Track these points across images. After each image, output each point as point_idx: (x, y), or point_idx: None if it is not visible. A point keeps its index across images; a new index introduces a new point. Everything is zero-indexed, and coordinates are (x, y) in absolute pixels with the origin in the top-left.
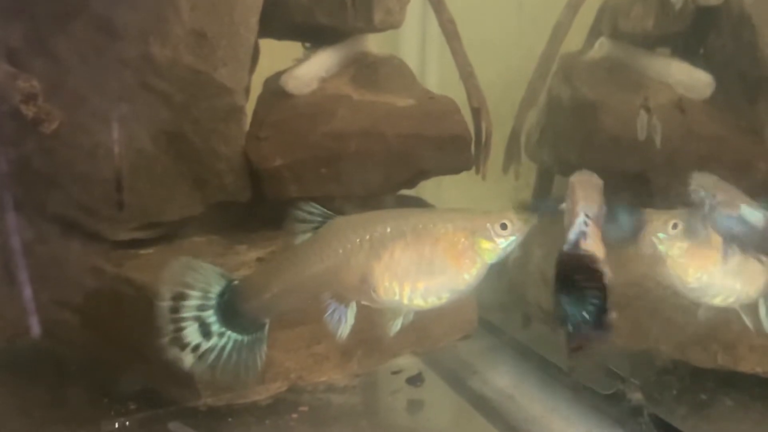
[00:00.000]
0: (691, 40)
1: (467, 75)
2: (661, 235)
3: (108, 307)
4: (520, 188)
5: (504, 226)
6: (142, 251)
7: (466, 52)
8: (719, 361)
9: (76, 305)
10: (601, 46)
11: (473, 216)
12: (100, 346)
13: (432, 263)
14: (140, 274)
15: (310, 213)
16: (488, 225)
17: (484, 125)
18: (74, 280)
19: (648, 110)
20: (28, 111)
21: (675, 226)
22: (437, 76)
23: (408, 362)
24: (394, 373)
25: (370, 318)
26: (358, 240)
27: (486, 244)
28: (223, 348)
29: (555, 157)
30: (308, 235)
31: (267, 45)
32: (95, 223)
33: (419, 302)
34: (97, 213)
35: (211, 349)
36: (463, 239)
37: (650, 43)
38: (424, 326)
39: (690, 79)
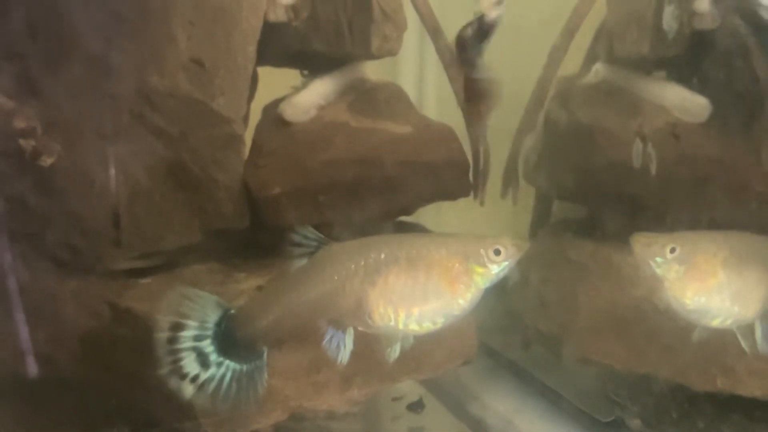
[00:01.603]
0: (687, 64)
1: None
2: (658, 259)
3: (108, 336)
4: (518, 213)
5: (497, 252)
6: (142, 280)
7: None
8: (718, 385)
9: (77, 334)
10: (598, 71)
11: (467, 241)
12: (101, 376)
13: (426, 288)
14: (139, 304)
15: (306, 238)
16: (482, 251)
17: (481, 151)
18: (76, 308)
19: (643, 138)
20: (27, 145)
21: (673, 250)
22: (435, 102)
23: (408, 388)
24: (395, 399)
25: (370, 345)
26: (353, 266)
27: (480, 270)
28: (223, 377)
29: (553, 181)
30: (304, 260)
31: (265, 73)
32: (95, 254)
33: (414, 327)
34: (96, 246)
35: (210, 379)
36: (456, 264)
37: (646, 67)
38: (424, 353)
39: (686, 102)
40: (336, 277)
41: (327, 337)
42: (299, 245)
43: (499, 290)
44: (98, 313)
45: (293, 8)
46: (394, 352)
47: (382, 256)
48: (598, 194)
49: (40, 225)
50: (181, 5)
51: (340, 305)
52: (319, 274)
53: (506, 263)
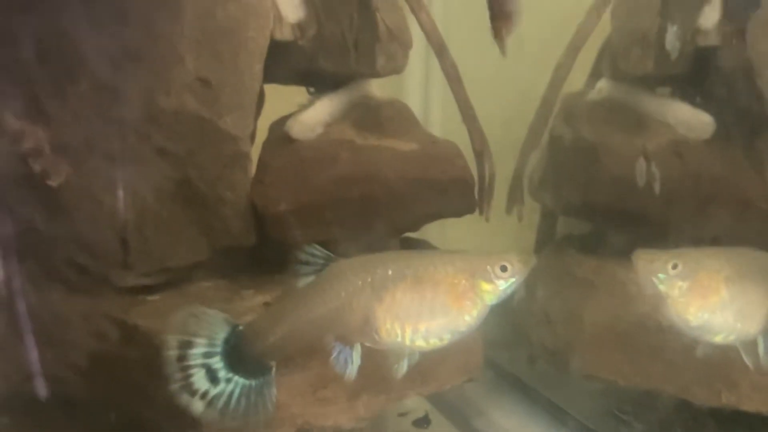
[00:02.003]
0: (690, 81)
1: (469, 118)
2: (661, 275)
3: (116, 353)
4: (523, 229)
5: (504, 268)
6: (149, 298)
7: (468, 96)
8: (723, 401)
9: (86, 353)
10: (602, 88)
11: (473, 258)
12: (109, 394)
13: (433, 305)
14: (147, 321)
15: (313, 255)
16: (488, 267)
17: (486, 168)
18: (84, 329)
19: (647, 155)
20: (35, 165)
21: (675, 267)
22: (440, 119)
23: (414, 404)
24: (401, 415)
25: (376, 361)
26: (360, 282)
27: (486, 286)
28: (232, 393)
29: (557, 197)
30: (311, 277)
31: (272, 90)
32: (103, 272)
33: (421, 343)
34: (106, 261)
35: (219, 395)
36: (463, 281)
37: (650, 84)
38: (430, 368)
39: (690, 119)
40: (343, 294)
41: (334, 353)
42: (306, 263)
43: (505, 306)
44: (106, 331)
45: (299, 27)
46: (402, 368)
47: (389, 272)
48: (602, 211)
49: (49, 245)
50: (189, 25)
51: (347, 321)
52: (326, 291)
53: (513, 279)
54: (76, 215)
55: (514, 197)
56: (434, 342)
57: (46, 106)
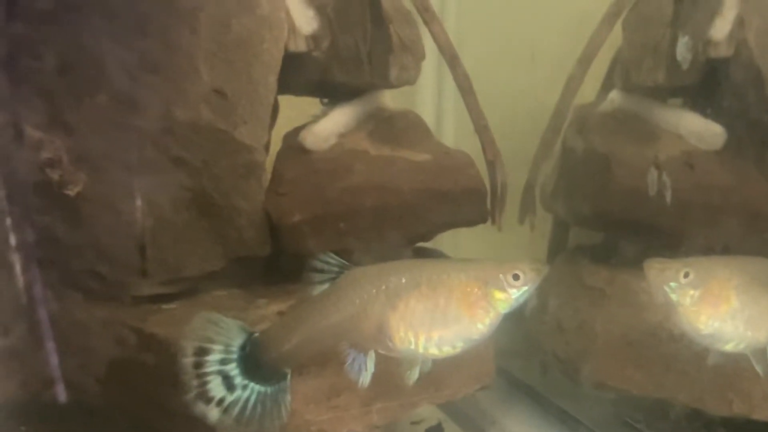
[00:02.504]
0: (702, 92)
1: (482, 128)
2: (672, 284)
3: (133, 361)
4: (535, 239)
5: (516, 277)
6: (165, 306)
7: (481, 106)
8: (734, 410)
9: (100, 367)
10: (613, 99)
11: (486, 267)
12: (126, 401)
13: (446, 313)
14: (164, 329)
15: (327, 263)
16: (501, 275)
17: (499, 178)
18: (99, 341)
19: (658, 167)
20: (53, 174)
21: (686, 275)
22: (453, 130)
23: (427, 412)
24: (414, 423)
25: (390, 369)
26: (374, 290)
27: (499, 294)
28: (248, 400)
29: (569, 207)
30: (326, 285)
31: (286, 101)
32: (120, 282)
33: (434, 351)
34: (123, 271)
35: (235, 402)
36: (476, 289)
37: (662, 95)
38: (443, 377)
39: (701, 130)
40: (358, 301)
41: (349, 360)
42: (321, 271)
43: (517, 315)
44: (124, 339)
45: (313, 38)
46: (414, 375)
47: (403, 280)
48: (613, 221)
49: (69, 254)
50: (205, 38)
51: (361, 329)
52: (341, 299)
53: (526, 288)
54: (95, 225)
55: (527, 207)
56: (447, 350)
57: (65, 117)
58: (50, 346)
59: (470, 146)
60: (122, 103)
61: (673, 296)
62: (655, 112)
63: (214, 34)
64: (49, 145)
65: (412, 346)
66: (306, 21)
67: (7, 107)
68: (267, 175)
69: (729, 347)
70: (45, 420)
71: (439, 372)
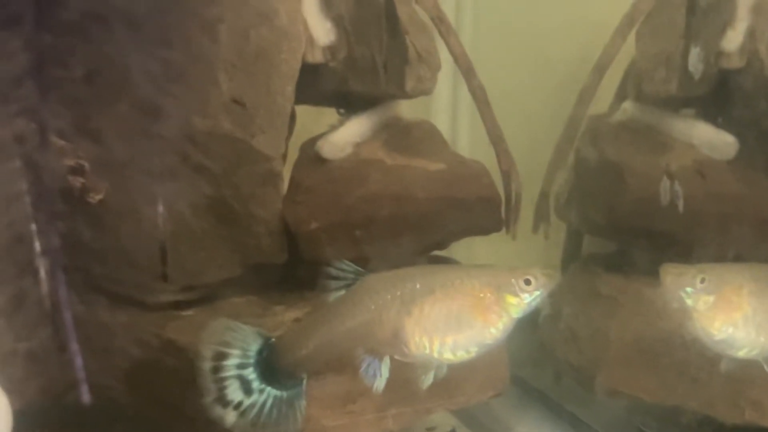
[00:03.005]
0: (714, 102)
1: (497, 139)
2: (689, 289)
3: (152, 370)
4: (549, 247)
5: (528, 282)
6: (184, 313)
7: (496, 117)
8: (747, 417)
9: (122, 370)
10: (626, 109)
11: (499, 272)
12: (146, 405)
13: (460, 318)
14: (182, 336)
15: (343, 270)
16: (513, 281)
17: (513, 187)
18: (121, 346)
19: (670, 176)
20: (75, 182)
21: (703, 281)
22: (468, 140)
23: (441, 419)
24: (429, 429)
25: (404, 375)
26: (389, 296)
27: (512, 299)
28: (264, 403)
29: (583, 216)
30: (341, 292)
31: (303, 111)
32: (140, 288)
33: (449, 356)
34: (142, 282)
35: (252, 405)
36: (489, 295)
37: (674, 105)
38: (456, 384)
39: (714, 140)
40: (373, 307)
41: (364, 366)
42: (336, 278)
43: (531, 323)
44: (144, 344)
45: (331, 49)
46: (428, 380)
47: (418, 286)
48: (626, 230)
49: (93, 259)
50: (224, 49)
51: (377, 334)
52: (356, 305)
53: (538, 293)
54: (117, 231)
55: (541, 216)
56: (462, 354)
57: (90, 125)
58: (74, 348)
59: (485, 156)
60: (145, 111)
61: (689, 301)
62: (667, 122)
63: (233, 45)
64: (72, 153)
65: (427, 351)
66: (323, 32)
67: (34, 115)
68: (284, 184)
69: (742, 353)
70: (65, 425)
71: (453, 378)
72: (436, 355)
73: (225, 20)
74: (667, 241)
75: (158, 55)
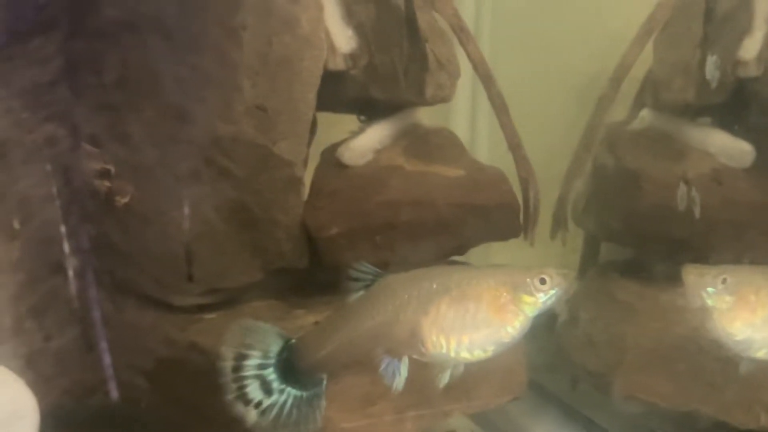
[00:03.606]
0: (731, 110)
1: (515, 146)
2: (710, 289)
3: (174, 370)
4: (567, 254)
5: (543, 281)
6: (206, 316)
7: (514, 124)
8: (761, 422)
9: (146, 369)
10: (644, 117)
11: (514, 272)
12: (167, 406)
13: (476, 317)
14: (204, 338)
15: (362, 273)
16: (528, 280)
17: (531, 194)
18: (146, 346)
19: (687, 182)
20: (102, 186)
21: (724, 281)
22: (487, 147)
23: (460, 423)
24: None
25: (423, 378)
26: (406, 296)
27: (527, 299)
28: (284, 403)
29: (600, 223)
30: (360, 293)
31: (324, 118)
32: (165, 291)
33: (465, 355)
34: (168, 282)
35: (272, 405)
36: (504, 294)
37: (691, 113)
38: (474, 387)
39: (731, 148)
40: (391, 308)
41: (383, 366)
42: (356, 279)
43: (548, 329)
44: (168, 345)
45: (352, 57)
46: (444, 379)
47: (434, 286)
48: (643, 237)
49: (121, 260)
50: (248, 56)
51: (395, 334)
52: (374, 305)
53: (553, 292)
54: (142, 234)
55: (559, 223)
56: (478, 353)
57: (120, 129)
58: (102, 346)
59: (504, 163)
60: (173, 116)
61: (710, 301)
62: (684, 130)
63: (256, 53)
64: (99, 157)
65: (444, 351)
66: (345, 40)
67: (66, 119)
68: (305, 190)
69: (761, 354)
70: (87, 428)
71: (471, 382)
72: (453, 354)
73: (249, 28)
74: (684, 247)
75: (187, 61)
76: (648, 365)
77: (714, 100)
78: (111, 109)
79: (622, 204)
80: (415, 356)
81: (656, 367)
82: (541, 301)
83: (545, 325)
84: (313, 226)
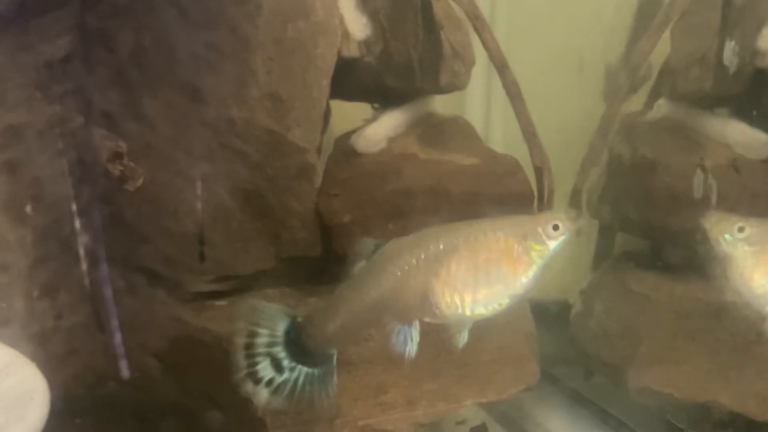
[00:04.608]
0: (748, 101)
1: (530, 135)
2: (728, 236)
3: (186, 355)
4: (582, 244)
5: (556, 227)
6: (218, 302)
7: (529, 113)
8: None
9: (158, 351)
10: (660, 107)
11: (522, 221)
12: (178, 391)
13: (488, 272)
14: (216, 325)
15: (367, 246)
16: (539, 229)
17: (546, 183)
18: (158, 328)
19: (704, 169)
20: (115, 169)
21: (741, 230)
22: (501, 135)
23: (472, 413)
24: (459, 423)
25: (436, 368)
26: (414, 260)
27: (538, 247)
28: (296, 381)
29: (616, 214)
30: (363, 263)
31: (338, 106)
32: (178, 274)
33: (481, 311)
34: (180, 264)
35: (284, 383)
36: (515, 245)
37: (708, 103)
38: (487, 378)
39: (747, 138)
40: (399, 273)
41: (394, 333)
42: (361, 254)
43: (562, 320)
44: (180, 326)
45: (366, 44)
46: (463, 338)
47: (441, 246)
48: (659, 227)
49: (133, 240)
50: (263, 42)
51: (405, 300)
52: (380, 273)
53: (563, 237)
54: (159, 214)
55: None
56: (494, 307)
57: (131, 106)
58: (114, 324)
59: (518, 152)
60: (187, 95)
61: (727, 249)
62: (701, 120)
63: (271, 37)
64: (111, 138)
65: (459, 310)
66: (359, 27)
67: (79, 96)
68: (319, 178)
69: None
70: (99, 414)
71: (484, 372)
72: (468, 312)
73: (264, 11)
74: (700, 238)
75: (202, 38)
76: (662, 357)
77: (731, 90)
78: (124, 86)
79: (638, 194)
80: (428, 319)
81: (671, 359)
82: (552, 248)
83: (559, 316)
84: (326, 213)
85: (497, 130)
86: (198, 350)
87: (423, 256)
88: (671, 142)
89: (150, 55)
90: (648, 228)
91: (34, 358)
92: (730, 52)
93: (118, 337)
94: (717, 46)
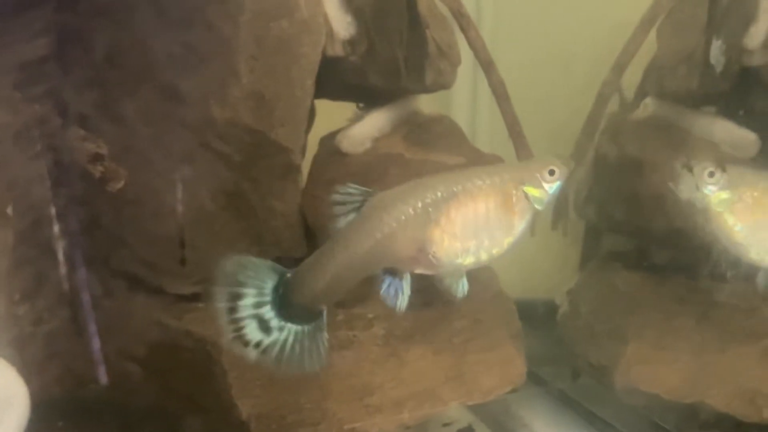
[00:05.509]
0: (735, 99)
1: (516, 134)
2: (698, 183)
3: (168, 359)
4: (568, 244)
5: (552, 172)
6: (201, 304)
7: (515, 112)
8: (764, 415)
9: (139, 356)
10: (647, 106)
11: (518, 167)
12: (161, 395)
13: (487, 216)
14: (199, 327)
15: (350, 195)
16: (536, 174)
17: None
18: (138, 332)
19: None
20: (95, 171)
21: (711, 174)
22: (487, 135)
23: (458, 414)
24: (445, 425)
25: (422, 371)
26: (410, 209)
27: (535, 192)
28: (285, 341)
29: (602, 213)
30: (350, 216)
31: (322, 105)
32: (158, 277)
33: (484, 256)
34: (161, 268)
35: (273, 344)
36: (513, 190)
37: (695, 102)
38: (473, 379)
39: (735, 137)
40: (395, 224)
41: (384, 286)
42: (343, 203)
43: (549, 321)
44: (161, 330)
45: (351, 43)
46: (462, 286)
47: (439, 194)
48: (646, 227)
49: (113, 244)
50: (245, 39)
51: (398, 251)
52: (373, 224)
53: (558, 182)
54: (138, 218)
55: (560, 213)
56: (496, 251)
57: (109, 107)
58: (92, 329)
59: (504, 151)
60: (166, 96)
61: (698, 195)
62: (688, 119)
63: (254, 36)
64: (92, 139)
65: (459, 258)
66: (343, 26)
67: (56, 97)
68: (303, 178)
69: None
70: (81, 417)
71: (470, 373)
72: (469, 259)
73: (246, 10)
74: (687, 238)
75: (180, 39)
76: (649, 357)
77: (718, 88)
78: (102, 87)
79: (625, 193)
80: (421, 270)
81: (658, 359)
82: (549, 192)
83: (546, 316)
84: (311, 214)
85: (483, 130)
86: (180, 353)
87: (420, 205)
88: (658, 141)
89: (128, 55)
90: (634, 228)
91: (13, 362)
92: (717, 50)
93: (96, 342)
94: (704, 45)
